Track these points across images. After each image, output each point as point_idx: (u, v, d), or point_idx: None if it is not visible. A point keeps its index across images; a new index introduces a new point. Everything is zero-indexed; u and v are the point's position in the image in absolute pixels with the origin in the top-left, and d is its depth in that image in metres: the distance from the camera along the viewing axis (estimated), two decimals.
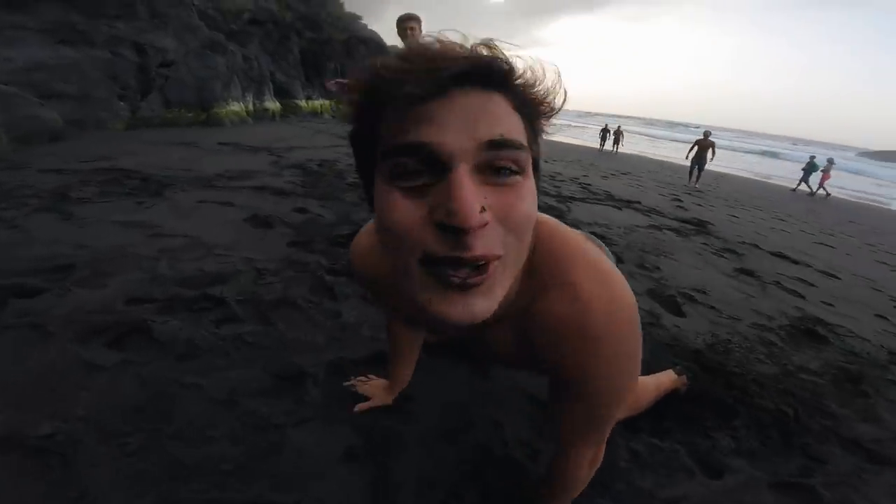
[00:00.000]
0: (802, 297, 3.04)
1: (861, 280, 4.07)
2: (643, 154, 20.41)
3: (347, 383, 1.20)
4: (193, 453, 0.94)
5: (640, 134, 42.13)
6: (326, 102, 18.24)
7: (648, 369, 1.40)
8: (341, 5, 25.82)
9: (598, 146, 17.78)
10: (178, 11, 9.60)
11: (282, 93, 14.67)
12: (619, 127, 17.60)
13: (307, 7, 19.84)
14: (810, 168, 13.44)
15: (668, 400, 1.39)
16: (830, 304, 3.01)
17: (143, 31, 8.22)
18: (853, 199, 16.95)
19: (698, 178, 10.36)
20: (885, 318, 2.96)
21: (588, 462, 0.74)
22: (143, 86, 7.65)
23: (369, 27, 29.44)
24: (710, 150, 10.37)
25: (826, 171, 13.38)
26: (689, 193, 8.70)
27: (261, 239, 2.36)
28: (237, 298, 1.58)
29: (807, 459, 1.29)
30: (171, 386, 1.10)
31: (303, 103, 15.96)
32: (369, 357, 1.37)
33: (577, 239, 0.62)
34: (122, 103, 7.12)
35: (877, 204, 17.23)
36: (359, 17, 27.93)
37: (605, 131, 17.73)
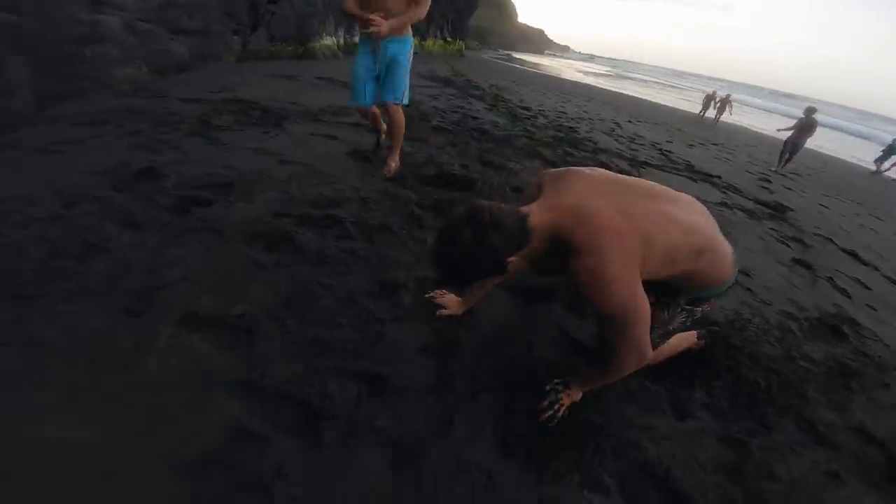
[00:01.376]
0: (849, 296, 3.11)
1: None
2: (748, 126, 18.72)
3: (428, 295, 1.67)
4: (328, 335, 1.45)
5: (746, 104, 37.95)
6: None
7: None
8: None
9: (700, 112, 16.72)
10: None
11: None
12: (728, 96, 16.21)
13: None
14: (889, 151, 13.93)
15: (679, 364, 1.71)
16: (874, 308, 3.05)
17: None
18: None
19: (788, 160, 8.98)
20: None
21: (611, 374, 1.20)
22: (253, 21, 8.31)
23: None
24: (811, 132, 8.94)
25: None
26: (784, 175, 8.23)
27: (363, 172, 2.90)
28: (350, 220, 2.11)
29: (758, 425, 1.57)
30: (311, 284, 1.63)
31: None
32: None
33: (586, 214, 1.06)
34: (235, 38, 7.82)
35: None
36: None
37: (709, 98, 16.49)
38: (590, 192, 1.16)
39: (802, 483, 1.41)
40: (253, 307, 1.48)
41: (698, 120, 15.86)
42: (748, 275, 2.86)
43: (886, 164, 14.04)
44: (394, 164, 2.98)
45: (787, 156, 8.98)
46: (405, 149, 3.37)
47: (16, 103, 3.25)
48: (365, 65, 2.83)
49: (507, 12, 76.18)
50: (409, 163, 3.18)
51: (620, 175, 1.31)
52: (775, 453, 1.48)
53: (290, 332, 1.43)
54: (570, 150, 4.96)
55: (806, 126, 8.93)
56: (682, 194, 1.32)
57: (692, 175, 5.60)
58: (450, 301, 1.63)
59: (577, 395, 1.35)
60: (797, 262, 3.46)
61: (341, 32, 12.94)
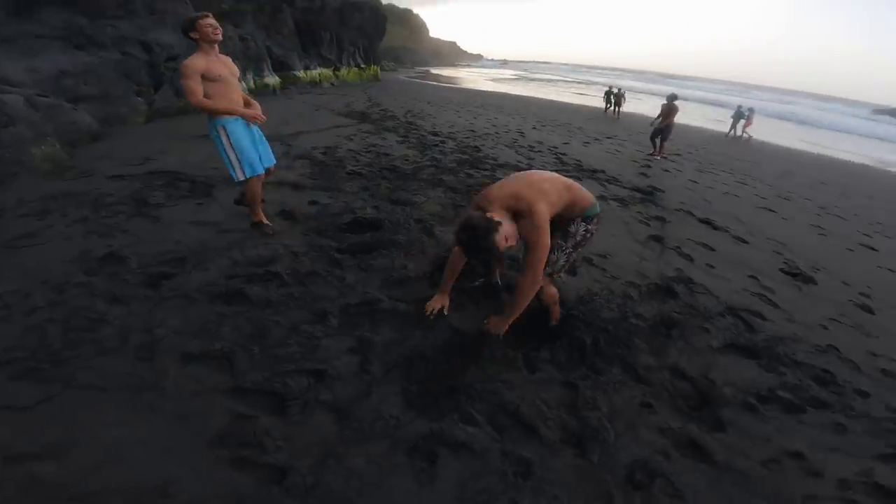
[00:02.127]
0: (691, 260, 3.93)
1: (772, 244, 4.87)
2: (644, 113, 20.85)
3: (427, 313, 2.45)
4: (282, 351, 2.13)
5: (646, 92, 41.78)
6: (325, 71, 19.07)
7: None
8: None
9: (603, 108, 18.66)
10: (174, 6, 10.25)
11: (280, 66, 15.37)
12: (619, 90, 18.12)
13: None
14: (738, 116, 16.94)
15: (535, 325, 2.46)
16: (712, 267, 3.86)
17: (145, 29, 9.12)
18: (853, 161, 17.19)
19: (662, 145, 9.52)
20: (756, 278, 3.79)
21: (529, 283, 2.03)
22: (154, 80, 8.63)
23: None
24: (673, 115, 9.44)
25: (748, 119, 16.87)
26: (666, 157, 9.31)
27: (290, 229, 3.53)
28: (286, 272, 2.79)
29: (590, 371, 2.23)
30: (265, 322, 2.30)
31: (301, 74, 16.75)
32: (361, 302, 2.56)
33: (524, 195, 2.04)
34: (139, 98, 8.14)
35: (878, 166, 17.38)
36: None
37: (608, 94, 18.32)
38: (508, 188, 2.13)
39: (620, 411, 2.03)
40: (227, 343, 2.15)
41: (603, 115, 17.66)
42: (606, 257, 3.65)
43: (738, 129, 17.02)
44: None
45: (658, 140, 9.48)
46: (325, 201, 4.11)
47: None
48: (249, 136, 3.18)
49: (418, 29, 78.53)
50: (328, 213, 3.88)
51: (518, 173, 2.37)
52: (600, 391, 2.13)
53: (256, 354, 2.11)
54: (470, 171, 5.83)
55: (668, 111, 9.43)
56: (552, 172, 2.36)
57: (579, 174, 6.61)
58: (436, 301, 2.49)
59: (503, 325, 2.27)
60: (652, 238, 4.31)
61: (250, 75, 13.18)
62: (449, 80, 34.61)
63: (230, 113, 3.02)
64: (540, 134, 10.25)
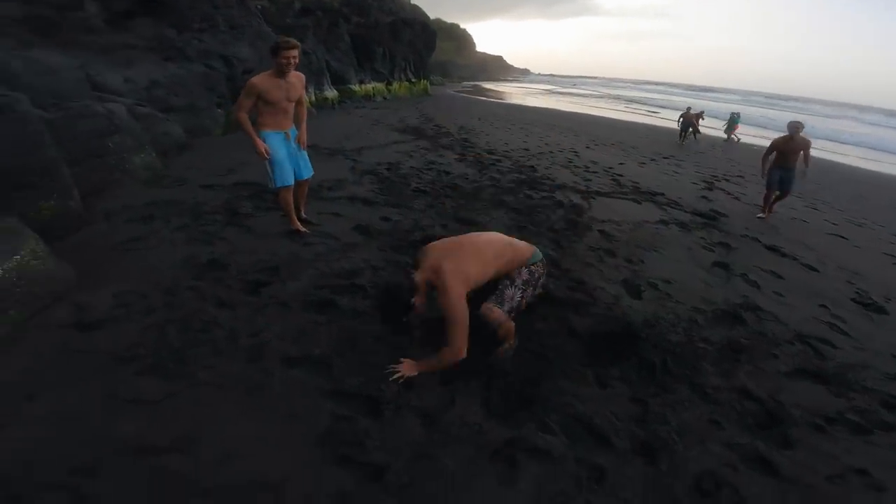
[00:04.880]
0: (758, 287, 3.90)
1: (844, 273, 4.73)
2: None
3: (395, 377, 2.41)
4: (374, 359, 2.35)
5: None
6: (378, 85, 19.94)
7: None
8: None
9: (680, 137, 15.70)
10: (250, 21, 11.35)
11: (337, 80, 16.16)
12: (688, 110, 15.82)
13: None
14: (731, 121, 18.30)
15: (600, 352, 2.61)
16: (781, 295, 3.82)
17: (226, 43, 9.93)
18: None
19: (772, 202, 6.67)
20: (826, 307, 3.74)
21: (449, 354, 2.19)
22: (232, 93, 9.27)
23: (412, 1, 30.30)
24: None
25: (736, 124, 18.40)
26: (728, 180, 9.05)
27: (366, 244, 3.81)
28: (368, 285, 3.05)
29: (658, 388, 2.35)
30: (354, 332, 2.55)
31: (356, 87, 17.52)
32: (439, 317, 2.71)
33: (443, 272, 2.20)
34: (219, 110, 8.79)
35: None
36: None
37: (683, 116, 15.68)
38: (438, 255, 2.32)
39: (688, 427, 2.13)
40: (324, 349, 2.41)
41: (678, 142, 15.25)
42: (670, 282, 3.69)
43: (735, 135, 17.95)
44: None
45: (775, 191, 6.56)
46: (395, 217, 4.39)
47: (73, 203, 3.82)
48: (286, 150, 3.60)
49: (466, 43, 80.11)
50: (400, 230, 4.14)
51: (455, 237, 2.62)
52: (669, 408, 2.24)
53: (350, 361, 2.35)
54: (529, 192, 5.95)
55: (792, 147, 6.33)
56: (491, 232, 2.71)
57: (638, 197, 6.56)
58: (407, 367, 2.25)
59: (414, 369, 2.22)
60: (717, 264, 4.30)
61: (311, 89, 13.93)
62: (497, 94, 35.04)
63: (252, 136, 3.44)
64: (594, 153, 10.24)
